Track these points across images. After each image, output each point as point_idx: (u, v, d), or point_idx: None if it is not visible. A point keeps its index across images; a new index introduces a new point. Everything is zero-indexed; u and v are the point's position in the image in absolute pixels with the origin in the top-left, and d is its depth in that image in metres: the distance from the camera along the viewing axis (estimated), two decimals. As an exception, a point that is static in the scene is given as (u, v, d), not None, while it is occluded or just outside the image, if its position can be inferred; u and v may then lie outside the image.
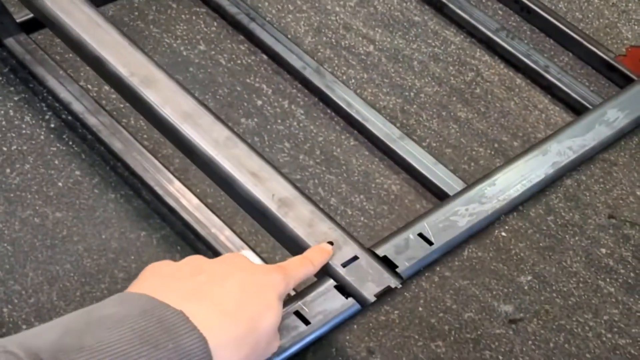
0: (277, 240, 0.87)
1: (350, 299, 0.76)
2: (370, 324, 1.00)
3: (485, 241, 1.11)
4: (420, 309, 1.03)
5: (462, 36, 1.47)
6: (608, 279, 1.09)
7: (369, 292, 0.76)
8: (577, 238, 1.13)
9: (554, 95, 1.37)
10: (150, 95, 0.90)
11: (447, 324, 1.02)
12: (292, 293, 0.88)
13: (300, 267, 0.71)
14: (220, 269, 0.62)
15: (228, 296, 0.59)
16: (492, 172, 0.95)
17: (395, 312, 1.02)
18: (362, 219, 1.13)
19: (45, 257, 1.04)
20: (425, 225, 0.87)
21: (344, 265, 0.78)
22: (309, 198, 0.83)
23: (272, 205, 0.81)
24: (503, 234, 1.12)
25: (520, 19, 1.53)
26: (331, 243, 0.79)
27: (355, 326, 0.99)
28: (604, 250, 1.12)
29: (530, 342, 1.01)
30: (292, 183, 0.84)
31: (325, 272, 0.78)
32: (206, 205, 1.10)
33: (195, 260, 0.64)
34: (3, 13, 1.32)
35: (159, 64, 0.97)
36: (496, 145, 1.27)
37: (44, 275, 1.02)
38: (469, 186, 0.94)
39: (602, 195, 1.19)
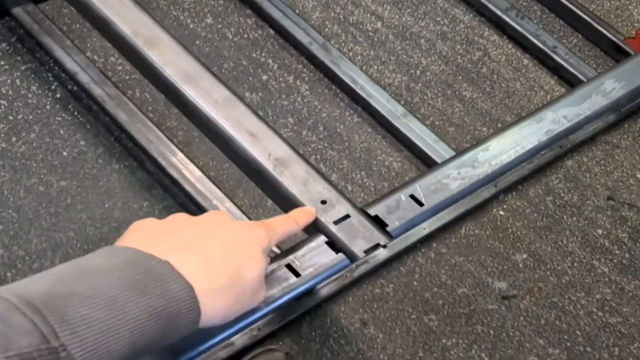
0: (272, 200, 0.92)
1: (340, 254, 0.81)
2: (365, 297, 1.07)
3: (483, 219, 1.17)
4: (415, 283, 1.10)
5: (471, 15, 1.52)
6: (603, 259, 1.15)
7: (359, 248, 0.81)
8: (574, 218, 1.19)
9: (561, 77, 1.42)
10: (153, 56, 0.95)
11: (441, 299, 1.08)
12: (278, 251, 0.93)
13: (284, 225, 0.76)
14: (204, 225, 0.67)
15: (212, 248, 0.64)
16: (486, 138, 1.00)
17: (390, 285, 1.09)
18: (362, 195, 1.19)
19: (49, 224, 1.10)
20: (417, 187, 0.91)
21: (336, 222, 0.83)
22: (304, 158, 0.88)
23: (268, 165, 0.86)
24: (501, 212, 1.18)
25: (531, -2, 1.58)
26: (324, 202, 0.84)
27: (350, 298, 1.06)
28: (600, 231, 1.18)
29: (521, 318, 1.07)
30: (289, 143, 0.89)
31: (318, 228, 0.83)
32: (208, 177, 1.16)
33: (179, 217, 0.69)
34: (11, -18, 1.38)
35: (163, 25, 1.02)
36: (499, 125, 1.32)
37: (47, 242, 1.08)
38: (462, 151, 0.98)
39: (603, 177, 1.24)
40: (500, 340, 1.04)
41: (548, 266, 1.13)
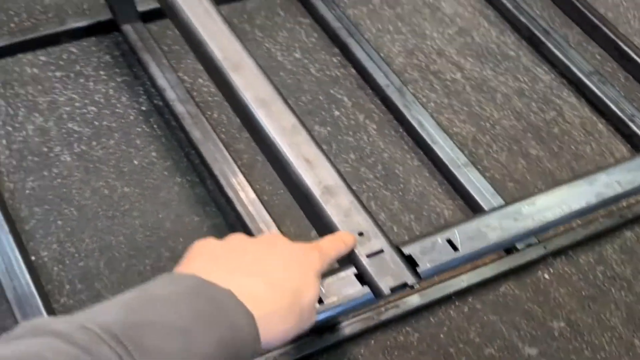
0: (312, 224, 0.86)
1: (366, 288, 0.73)
2: (388, 342, 0.95)
3: (526, 280, 1.03)
4: (441, 336, 0.97)
5: (553, 75, 1.38)
6: (645, 340, 0.99)
7: (386, 284, 0.73)
8: (622, 292, 1.03)
9: (635, 146, 1.26)
10: (236, 80, 0.91)
11: (465, 356, 0.95)
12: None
13: (334, 246, 0.71)
14: (263, 248, 0.63)
15: (273, 271, 0.60)
16: (535, 193, 0.88)
17: (416, 334, 0.97)
18: (406, 238, 1.07)
19: (103, 226, 1.05)
20: (455, 232, 0.81)
21: (369, 256, 0.76)
22: (352, 190, 0.82)
23: (316, 191, 0.81)
24: (546, 276, 1.04)
25: (617, 65, 1.42)
26: (361, 234, 0.77)
27: (372, 342, 0.95)
28: (648, 310, 1.02)
29: (546, 390, 0.93)
30: (340, 174, 0.83)
31: (350, 260, 0.76)
32: (261, 201, 1.08)
33: (238, 238, 0.64)
34: (126, 1, 1.36)
35: (251, 53, 0.97)
36: (562, 186, 1.18)
37: (98, 243, 1.03)
38: (508, 203, 0.87)
39: (661, 253, 1.08)
40: (519, 409, 0.90)
41: (585, 338, 0.98)
